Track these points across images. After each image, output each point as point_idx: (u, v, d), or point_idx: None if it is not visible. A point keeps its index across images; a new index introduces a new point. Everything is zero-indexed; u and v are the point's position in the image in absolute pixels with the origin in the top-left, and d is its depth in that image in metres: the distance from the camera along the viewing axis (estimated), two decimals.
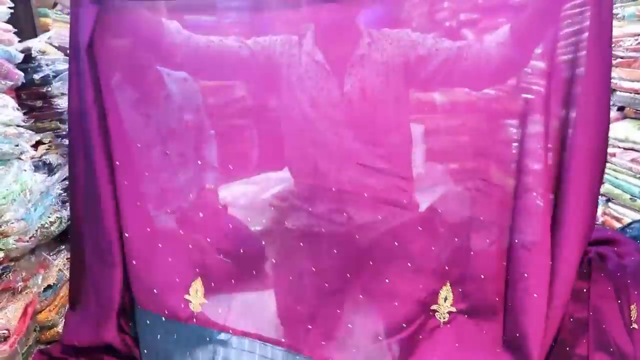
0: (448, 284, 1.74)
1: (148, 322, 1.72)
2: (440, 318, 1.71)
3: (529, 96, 2.22)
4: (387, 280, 1.73)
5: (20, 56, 1.94)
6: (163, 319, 1.70)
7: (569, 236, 1.57)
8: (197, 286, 1.75)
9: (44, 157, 1.99)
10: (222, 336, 1.69)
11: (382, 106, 1.77)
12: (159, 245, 1.76)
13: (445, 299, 1.73)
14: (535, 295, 1.57)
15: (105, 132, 1.67)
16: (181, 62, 1.74)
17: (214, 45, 1.72)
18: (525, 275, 1.62)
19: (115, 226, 1.71)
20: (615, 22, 2.09)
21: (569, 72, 1.62)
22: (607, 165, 2.18)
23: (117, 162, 1.68)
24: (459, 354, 1.64)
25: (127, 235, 1.70)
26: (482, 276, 1.75)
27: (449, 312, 1.71)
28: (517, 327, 1.59)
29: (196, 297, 1.74)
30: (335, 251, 1.72)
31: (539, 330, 1.53)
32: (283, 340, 1.68)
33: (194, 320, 1.70)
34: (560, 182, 1.60)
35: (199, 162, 2.16)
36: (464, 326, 1.69)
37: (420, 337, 1.67)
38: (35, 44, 2.14)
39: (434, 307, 1.72)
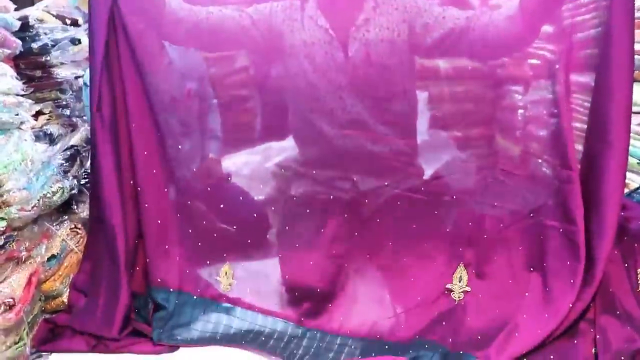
0: (462, 264, 1.73)
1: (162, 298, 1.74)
2: (455, 297, 1.70)
3: (535, 62, 2.19)
4: (394, 247, 1.72)
5: (17, 24, 1.91)
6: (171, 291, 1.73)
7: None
8: (226, 269, 1.79)
9: (44, 127, 1.97)
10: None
11: (387, 72, 1.74)
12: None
13: (460, 279, 1.72)
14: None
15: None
16: (184, 37, 1.74)
17: (213, 16, 1.70)
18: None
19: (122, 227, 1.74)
20: None
21: (583, 34, 1.60)
22: None
23: (134, 125, 1.76)
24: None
25: (146, 205, 1.76)
26: (494, 251, 1.75)
27: (464, 292, 1.70)
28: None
29: (226, 278, 1.77)
30: (340, 217, 1.71)
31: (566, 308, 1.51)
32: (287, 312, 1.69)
33: (224, 299, 1.75)
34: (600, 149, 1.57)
35: (203, 132, 2.14)
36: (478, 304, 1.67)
37: (436, 313, 1.66)
38: (33, 12, 2.10)
39: (448, 285, 1.71)
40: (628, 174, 2.13)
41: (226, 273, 1.78)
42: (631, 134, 2.05)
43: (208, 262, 1.80)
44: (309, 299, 1.66)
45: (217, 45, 1.80)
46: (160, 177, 1.80)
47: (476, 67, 1.92)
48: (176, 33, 1.72)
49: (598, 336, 1.31)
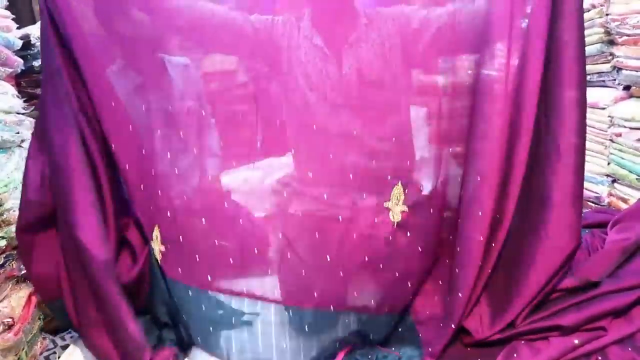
0: None
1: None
2: None
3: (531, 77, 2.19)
4: (395, 265, 1.72)
5: (19, 43, 1.93)
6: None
7: None
8: (157, 233, 1.75)
9: None
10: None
11: (382, 87, 1.74)
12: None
13: None
14: None
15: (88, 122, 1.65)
16: (183, 27, 1.72)
17: (218, 16, 1.69)
18: None
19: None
20: None
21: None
22: (613, 145, 2.16)
23: (113, 145, 1.67)
24: None
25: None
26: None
27: None
28: None
29: (156, 243, 1.74)
30: (339, 235, 1.71)
31: None
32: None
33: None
34: None
35: (201, 149, 2.14)
36: None
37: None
38: (34, 31, 2.12)
39: None
40: (627, 190, 2.14)
41: (157, 237, 1.73)
42: (630, 150, 2.07)
43: (208, 279, 1.79)
44: (310, 318, 1.67)
45: (216, 46, 1.80)
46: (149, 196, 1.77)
47: (474, 82, 1.92)
48: (175, 21, 1.69)
49: (600, 358, 1.31)
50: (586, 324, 1.39)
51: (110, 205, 1.69)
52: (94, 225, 1.61)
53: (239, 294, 1.74)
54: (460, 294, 1.60)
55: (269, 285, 1.75)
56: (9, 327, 1.56)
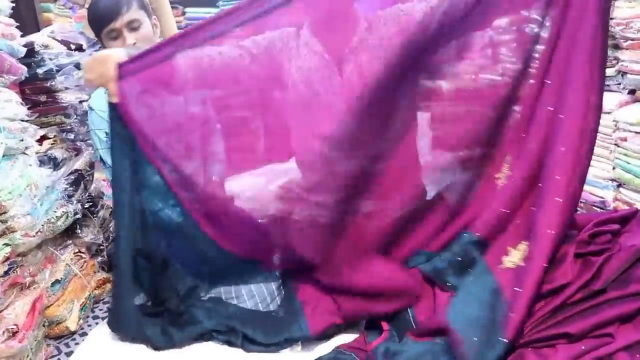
0: None
1: None
2: None
3: (534, 82, 2.18)
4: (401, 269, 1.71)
5: (23, 50, 1.94)
6: None
7: None
8: None
9: (49, 151, 1.99)
10: None
11: (383, 91, 1.73)
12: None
13: None
14: None
15: None
16: (193, 89, 1.77)
17: (216, 61, 1.70)
18: None
19: None
20: (625, 3, 2.05)
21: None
22: (618, 149, 2.15)
23: None
24: None
25: None
26: None
27: None
28: None
29: None
30: (343, 241, 1.70)
31: None
32: None
33: None
34: None
35: (205, 154, 2.14)
36: None
37: None
38: (38, 38, 2.13)
39: None
40: (633, 195, 2.13)
41: None
42: (636, 154, 2.06)
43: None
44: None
45: (224, 87, 1.82)
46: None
47: (479, 87, 1.91)
48: (186, 90, 1.76)
49: None
50: (593, 330, 1.37)
51: None
52: None
53: None
54: None
55: (274, 291, 1.75)
56: (14, 334, 1.56)
